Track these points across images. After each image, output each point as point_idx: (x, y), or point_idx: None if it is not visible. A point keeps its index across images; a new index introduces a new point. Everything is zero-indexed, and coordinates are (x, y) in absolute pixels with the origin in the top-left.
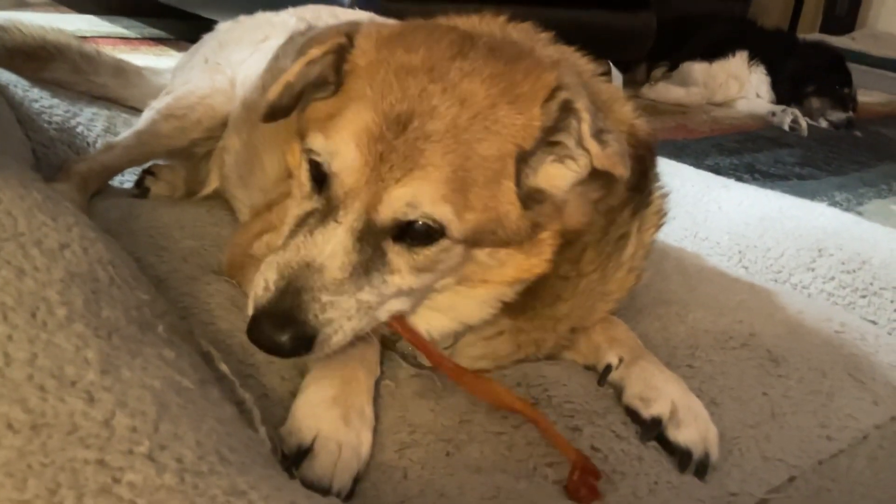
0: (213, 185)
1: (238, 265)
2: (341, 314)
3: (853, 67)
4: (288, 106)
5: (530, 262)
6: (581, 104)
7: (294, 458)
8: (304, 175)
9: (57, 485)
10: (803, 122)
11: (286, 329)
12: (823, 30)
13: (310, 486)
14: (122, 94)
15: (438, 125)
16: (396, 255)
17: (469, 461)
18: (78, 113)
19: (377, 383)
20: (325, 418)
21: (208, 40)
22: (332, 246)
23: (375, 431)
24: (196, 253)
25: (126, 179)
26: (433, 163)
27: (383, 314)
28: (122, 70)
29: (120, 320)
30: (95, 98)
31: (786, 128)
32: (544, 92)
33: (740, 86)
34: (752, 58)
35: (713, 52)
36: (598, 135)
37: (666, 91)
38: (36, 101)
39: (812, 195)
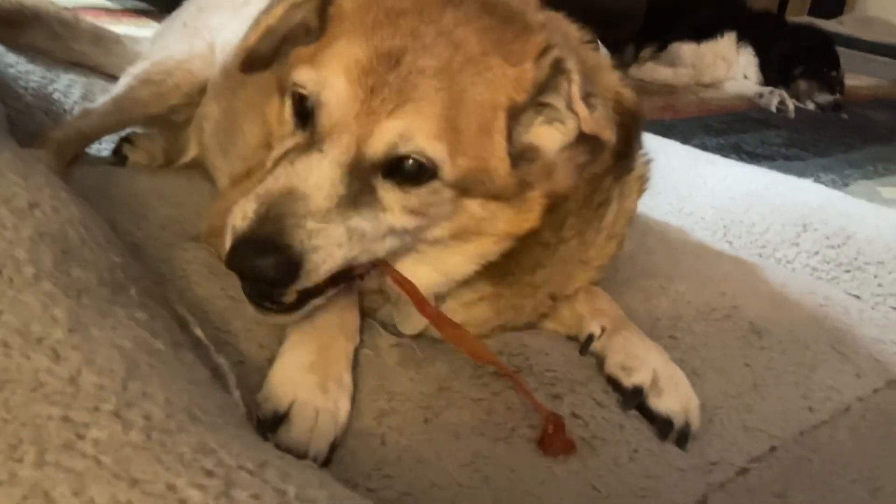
0: (192, 153)
1: (217, 232)
2: (330, 242)
3: (841, 51)
4: (267, 55)
5: (520, 218)
6: (572, 65)
7: (270, 424)
8: (287, 112)
9: (19, 440)
10: (790, 103)
11: (269, 254)
12: (812, 13)
13: (285, 451)
14: (100, 62)
15: (432, 62)
16: (387, 191)
17: (448, 427)
18: (55, 79)
19: (357, 352)
20: (303, 384)
21: (188, 6)
22: (317, 176)
23: (354, 399)
24: (174, 221)
25: (104, 147)
26: (427, 97)
27: (380, 249)
28: (100, 37)
29: (91, 281)
30: (73, 65)
31: (773, 109)
32: (535, 50)
33: (728, 67)
34: (740, 39)
35: (702, 33)
36: (587, 98)
37: (654, 71)
38: (12, 66)
39: (798, 176)
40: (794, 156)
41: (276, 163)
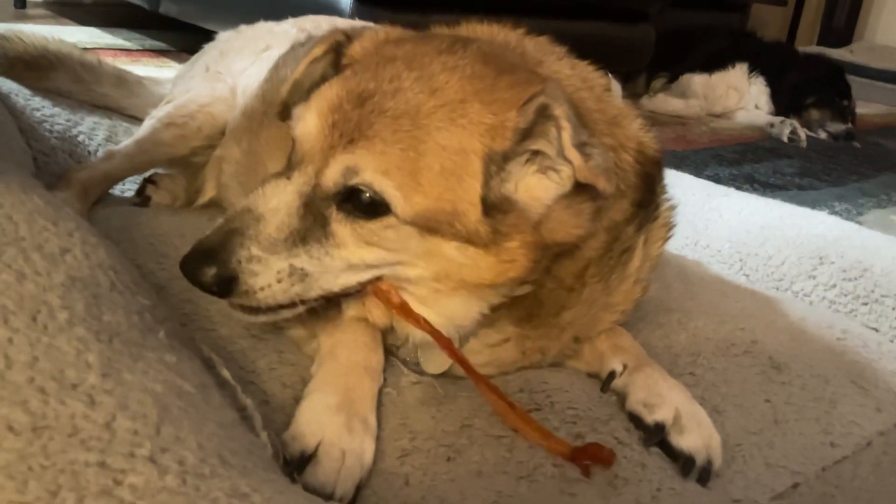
0: (209, 194)
1: None
2: (269, 273)
3: (851, 79)
4: (297, 104)
5: (502, 267)
6: (560, 111)
7: (297, 464)
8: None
9: (58, 486)
10: (802, 133)
11: (208, 263)
12: (821, 42)
13: (312, 492)
14: (123, 104)
15: (397, 105)
16: (339, 223)
17: (470, 466)
18: (79, 122)
19: (379, 391)
20: (329, 425)
21: (209, 49)
22: (277, 199)
23: (377, 439)
24: None
25: (127, 188)
26: (381, 136)
27: (336, 285)
28: (123, 80)
29: (121, 325)
30: (96, 107)
31: (785, 139)
32: (524, 99)
33: (740, 97)
34: (751, 69)
35: (713, 63)
36: (581, 146)
37: (665, 102)
38: (37, 109)
39: (812, 205)
40: (807, 185)
41: (260, 184)
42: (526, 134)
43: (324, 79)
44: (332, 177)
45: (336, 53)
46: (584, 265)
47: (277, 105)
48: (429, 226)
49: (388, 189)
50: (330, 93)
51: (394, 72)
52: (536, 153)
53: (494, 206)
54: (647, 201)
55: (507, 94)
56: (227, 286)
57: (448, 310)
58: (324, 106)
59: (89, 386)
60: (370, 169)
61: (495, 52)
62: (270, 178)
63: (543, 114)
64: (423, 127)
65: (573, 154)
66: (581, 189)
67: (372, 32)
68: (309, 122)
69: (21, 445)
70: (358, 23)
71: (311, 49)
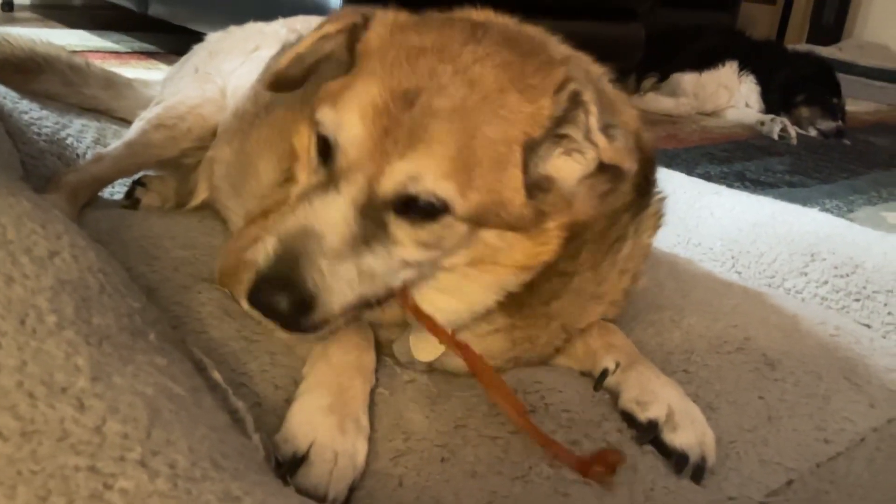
0: (201, 195)
1: (231, 272)
2: (341, 281)
3: (841, 77)
4: (294, 79)
5: (537, 250)
6: (589, 97)
7: (289, 466)
8: (312, 150)
9: (47, 492)
10: (792, 131)
11: (284, 292)
12: (810, 40)
13: (305, 494)
14: (112, 106)
15: (445, 103)
16: (398, 228)
17: (464, 466)
18: (68, 124)
19: (371, 391)
20: (322, 426)
21: (199, 50)
22: (332, 214)
23: (370, 440)
24: (187, 262)
25: (116, 191)
26: (437, 139)
27: (395, 281)
28: (111, 82)
29: (111, 328)
30: (85, 110)
31: (775, 137)
32: (554, 84)
33: (730, 95)
34: (741, 68)
35: (702, 62)
36: (606, 129)
37: (656, 101)
38: (25, 112)
39: (803, 203)
40: (798, 182)
41: (299, 199)
42: (560, 121)
43: (332, 59)
44: (391, 186)
45: (351, 36)
46: (579, 247)
47: (270, 74)
48: (479, 219)
49: (450, 192)
50: (371, 94)
51: (431, 66)
52: (563, 136)
53: (536, 187)
54: (643, 190)
55: (536, 79)
56: (306, 309)
57: (468, 296)
58: (368, 109)
59: (79, 390)
60: (431, 174)
61: (511, 35)
62: (313, 191)
63: (575, 100)
64: (472, 123)
65: (599, 137)
66: (601, 169)
67: (381, 17)
68: (354, 128)
69: (10, 450)
70: None
71: (321, 24)
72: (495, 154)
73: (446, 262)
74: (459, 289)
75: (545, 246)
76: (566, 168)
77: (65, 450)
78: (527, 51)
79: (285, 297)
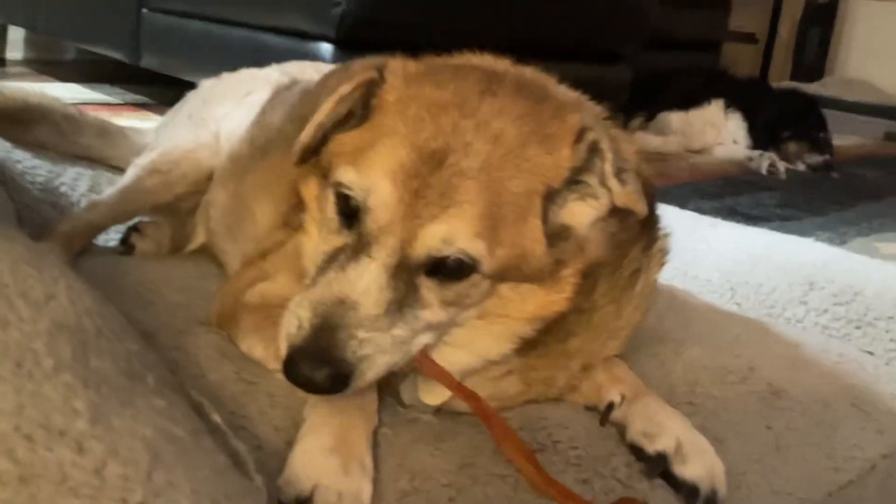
0: (199, 239)
1: (229, 315)
2: (376, 350)
3: (826, 113)
4: (316, 146)
5: (551, 299)
6: (605, 144)
7: None
8: (330, 209)
9: None
10: (781, 165)
11: (324, 367)
12: (793, 78)
13: None
14: (105, 154)
15: (473, 162)
16: (428, 290)
17: None
18: (61, 173)
19: (375, 432)
20: (325, 468)
21: (192, 97)
22: (366, 282)
23: (374, 481)
24: (184, 307)
25: (111, 238)
26: (469, 200)
27: (414, 348)
28: (105, 130)
29: (109, 370)
30: (79, 158)
31: (764, 172)
32: (572, 133)
33: (717, 133)
34: (727, 105)
35: (689, 101)
36: (619, 174)
37: (644, 140)
38: (18, 162)
39: (796, 236)
40: (789, 216)
41: (327, 262)
42: (579, 170)
43: (350, 117)
44: (424, 249)
45: (367, 91)
46: (594, 283)
47: (297, 152)
48: (501, 274)
49: (481, 250)
50: (398, 155)
51: (454, 122)
52: (580, 182)
53: (555, 236)
54: (650, 223)
55: (552, 128)
56: (345, 382)
57: (481, 348)
58: (398, 171)
59: (77, 432)
60: (463, 236)
61: (522, 83)
62: (343, 256)
63: (594, 149)
64: (498, 180)
65: (613, 183)
66: (611, 212)
67: (394, 68)
68: (384, 192)
69: (8, 495)
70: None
71: (335, 86)
72: (518, 208)
73: (460, 318)
74: (471, 341)
75: (559, 294)
76: (581, 213)
77: (64, 493)
78: (538, 97)
79: (324, 371)
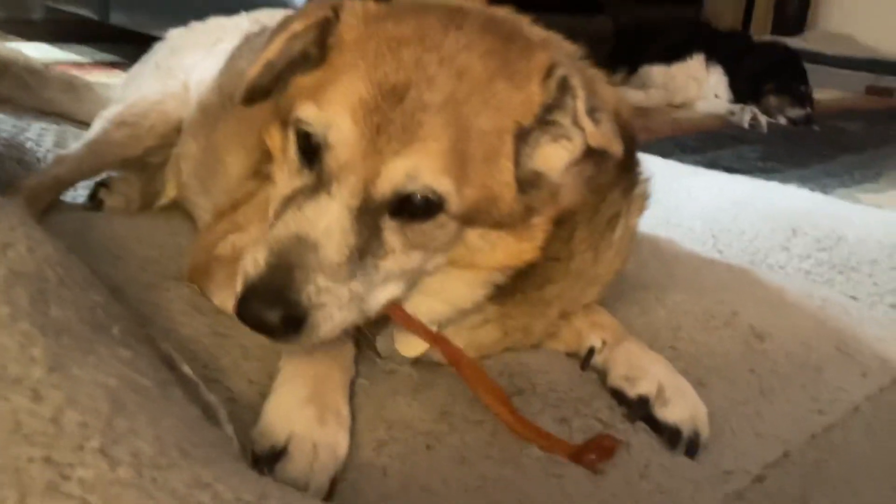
0: (170, 193)
1: (202, 268)
2: (333, 302)
3: (807, 67)
4: (266, 86)
5: (521, 248)
6: (577, 81)
7: (267, 460)
8: (291, 150)
9: None
10: (762, 119)
11: (276, 307)
12: (775, 31)
13: None
14: (71, 109)
15: (437, 96)
16: (392, 232)
17: (451, 452)
18: (26, 128)
19: (351, 382)
20: (299, 418)
21: (159, 48)
22: (327, 221)
23: (351, 431)
24: (155, 261)
25: (79, 194)
26: (433, 134)
27: (374, 306)
28: (71, 84)
29: (70, 320)
30: (44, 113)
31: (745, 125)
32: (541, 69)
33: (699, 86)
34: (709, 59)
35: (671, 55)
36: (592, 113)
37: (626, 94)
38: None
39: None
40: (771, 168)
41: (285, 204)
42: (549, 108)
43: (304, 58)
44: (388, 186)
45: (322, 31)
46: (572, 229)
47: (243, 89)
48: (471, 216)
49: (448, 187)
50: (358, 89)
51: (416, 56)
52: (551, 122)
53: (527, 182)
54: (629, 165)
55: (521, 64)
56: (296, 326)
57: (453, 296)
58: (358, 106)
59: (34, 380)
60: (429, 171)
61: (489, 19)
62: (301, 196)
63: (564, 86)
64: (464, 115)
65: (586, 122)
66: (586, 154)
67: (350, 7)
68: (345, 128)
69: None
70: None
71: (287, 24)
72: (488, 147)
73: (428, 266)
74: (443, 288)
75: (529, 243)
76: (554, 155)
77: (17, 441)
78: (506, 35)
79: (277, 312)
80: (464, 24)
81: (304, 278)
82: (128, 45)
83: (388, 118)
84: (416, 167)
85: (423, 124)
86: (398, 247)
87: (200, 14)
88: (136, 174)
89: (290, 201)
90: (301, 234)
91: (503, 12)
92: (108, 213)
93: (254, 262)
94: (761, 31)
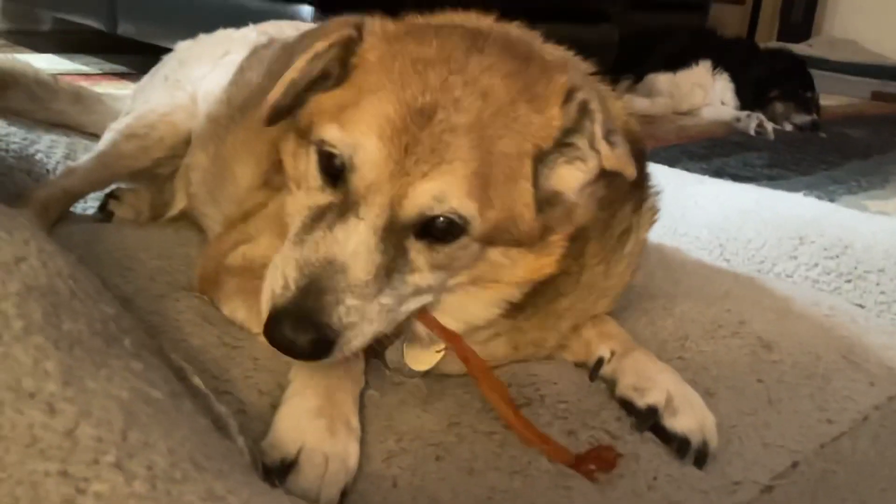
0: (180, 205)
1: (212, 279)
2: (363, 318)
3: (813, 73)
4: (289, 105)
5: (540, 263)
6: (595, 105)
7: (278, 472)
8: (312, 168)
9: (15, 499)
10: (768, 126)
11: (308, 331)
12: (780, 38)
13: None
14: (81, 121)
15: (463, 118)
16: (418, 252)
17: (461, 463)
18: (36, 140)
19: (361, 394)
20: (310, 429)
21: (168, 60)
22: (355, 244)
23: (361, 442)
24: (164, 272)
25: (89, 206)
26: (459, 157)
27: (401, 315)
28: (80, 96)
29: (83, 333)
30: (54, 125)
31: (752, 132)
32: (560, 92)
33: (705, 94)
34: (714, 66)
35: (676, 62)
36: (608, 136)
37: (632, 102)
38: None
39: None
40: (777, 175)
41: (310, 222)
42: (568, 131)
43: (325, 76)
44: (415, 207)
45: (344, 49)
46: (583, 244)
47: (266, 110)
48: (491, 237)
49: (472, 210)
50: (385, 111)
51: (441, 78)
52: (568, 145)
53: (545, 201)
54: (639, 181)
55: (540, 87)
56: (327, 349)
57: (469, 314)
58: (386, 128)
59: (48, 394)
60: (455, 195)
61: (508, 41)
62: (330, 215)
63: (582, 110)
64: (488, 138)
65: (603, 146)
66: (600, 174)
67: (371, 27)
68: (371, 149)
69: None
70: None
71: (309, 44)
72: (509, 169)
73: (449, 284)
74: (460, 307)
75: (548, 258)
76: (570, 177)
77: (33, 455)
78: (524, 56)
79: (308, 336)
80: (485, 47)
81: (334, 300)
82: (136, 56)
83: (416, 139)
84: (444, 190)
85: (450, 146)
86: (424, 266)
87: (208, 25)
88: (146, 185)
89: (318, 219)
90: (330, 257)
91: (517, 31)
92: (118, 225)
93: (283, 282)
94: (767, 38)
